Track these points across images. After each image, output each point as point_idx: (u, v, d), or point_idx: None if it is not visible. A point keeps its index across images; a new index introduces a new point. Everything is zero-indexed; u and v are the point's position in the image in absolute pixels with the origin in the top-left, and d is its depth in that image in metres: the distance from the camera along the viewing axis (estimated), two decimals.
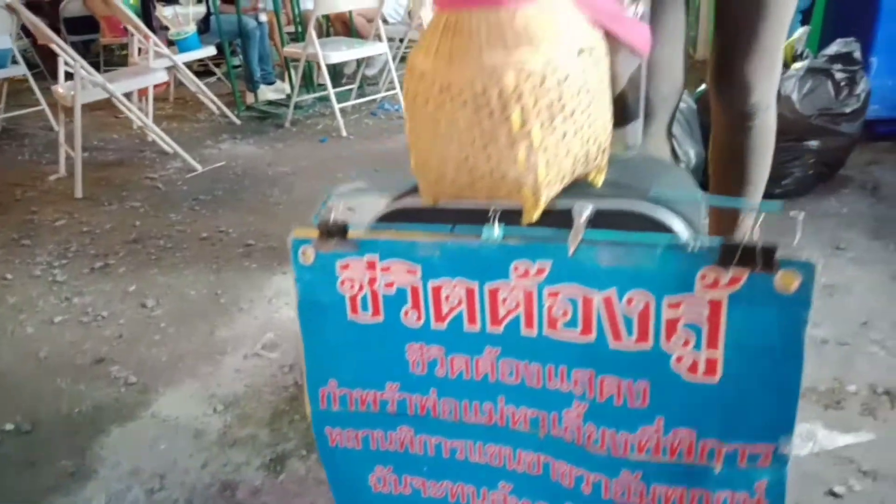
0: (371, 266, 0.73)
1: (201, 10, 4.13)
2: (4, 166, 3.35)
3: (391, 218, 0.73)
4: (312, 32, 3.32)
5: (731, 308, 0.61)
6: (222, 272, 1.91)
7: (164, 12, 4.02)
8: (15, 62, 4.06)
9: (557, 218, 0.65)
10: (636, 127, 0.87)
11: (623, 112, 0.86)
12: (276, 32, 4.34)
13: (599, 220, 0.64)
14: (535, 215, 0.62)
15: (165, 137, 3.03)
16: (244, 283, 1.82)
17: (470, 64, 0.56)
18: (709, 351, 0.63)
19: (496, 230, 0.66)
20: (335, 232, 0.73)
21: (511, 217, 0.65)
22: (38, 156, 3.51)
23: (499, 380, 0.73)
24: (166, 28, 4.05)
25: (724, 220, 1.41)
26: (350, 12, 4.10)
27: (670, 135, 1.34)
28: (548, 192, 0.61)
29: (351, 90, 3.98)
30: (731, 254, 0.60)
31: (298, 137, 3.41)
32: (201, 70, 4.74)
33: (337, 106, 3.38)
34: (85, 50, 6.90)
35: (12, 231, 2.40)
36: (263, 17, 4.16)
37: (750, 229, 0.61)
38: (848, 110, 2.04)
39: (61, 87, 2.79)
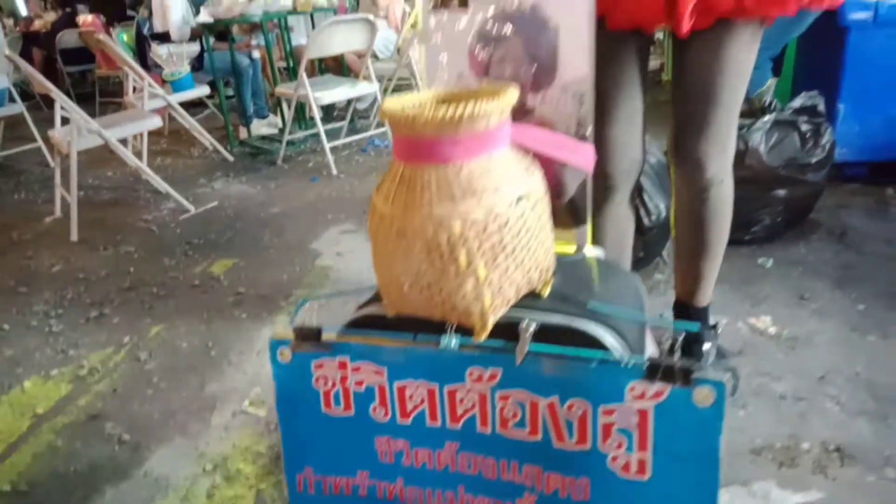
0: (343, 366, 0.81)
1: (195, 48, 4.23)
2: (1, 205, 3.42)
3: (360, 323, 0.80)
4: (303, 74, 3.42)
5: (657, 417, 0.69)
6: (213, 322, 1.98)
7: (159, 51, 4.12)
8: (12, 100, 4.15)
9: (508, 329, 0.73)
10: (583, 231, 0.95)
11: (573, 217, 0.94)
12: (268, 68, 4.45)
13: (543, 333, 0.72)
14: (483, 336, 0.70)
15: (159, 180, 3.10)
16: (234, 335, 1.89)
17: (422, 213, 0.64)
18: (639, 453, 0.70)
19: (453, 340, 0.74)
20: (310, 336, 0.80)
21: (466, 328, 0.73)
22: (34, 194, 3.59)
23: (459, 470, 0.80)
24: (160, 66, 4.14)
25: (687, 281, 1.49)
26: None
27: (634, 203, 1.43)
28: (494, 316, 0.69)
29: (342, 127, 4.08)
30: (655, 370, 0.68)
31: (290, 175, 3.49)
32: (196, 101, 4.84)
33: (328, 145, 3.47)
34: (81, 79, 7.02)
35: (9, 277, 2.47)
36: (256, 54, 4.26)
37: (668, 349, 0.69)
38: (814, 160, 2.13)
39: (58, 133, 2.87)
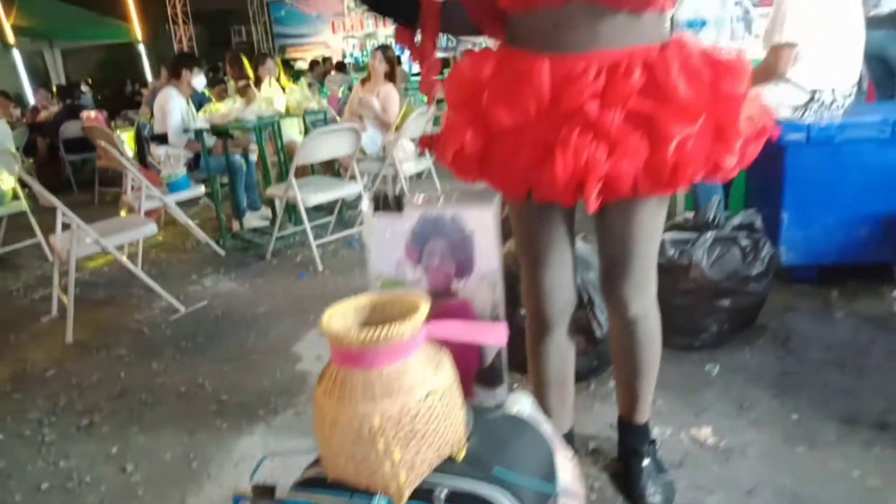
0: None
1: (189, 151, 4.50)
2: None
3: (307, 483, 0.96)
4: (293, 177, 3.66)
5: None
6: (196, 433, 2.11)
7: (157, 152, 4.39)
8: (16, 197, 4.37)
9: (425, 493, 0.88)
10: (503, 388, 1.12)
11: (492, 377, 1.11)
12: (261, 163, 4.71)
13: (453, 498, 0.88)
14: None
15: (151, 282, 3.27)
16: (215, 447, 2.02)
17: (350, 409, 0.81)
18: None
19: (381, 501, 0.89)
20: (265, 493, 0.95)
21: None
22: (32, 290, 3.76)
23: None
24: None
25: (626, 400, 1.65)
26: None
27: (572, 333, 1.60)
28: (409, 489, 0.85)
29: (330, 222, 4.30)
30: None
31: (278, 271, 3.68)
32: None
33: (314, 243, 3.68)
34: (82, 167, 7.32)
35: (5, 382, 2.60)
36: (254, 157, 4.54)
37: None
38: (754, 272, 2.33)
39: (59, 240, 3.07)
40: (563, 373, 1.60)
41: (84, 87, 10.16)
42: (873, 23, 3.08)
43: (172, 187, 4.05)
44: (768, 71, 2.62)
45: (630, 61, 1.17)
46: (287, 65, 14.70)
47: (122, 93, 8.95)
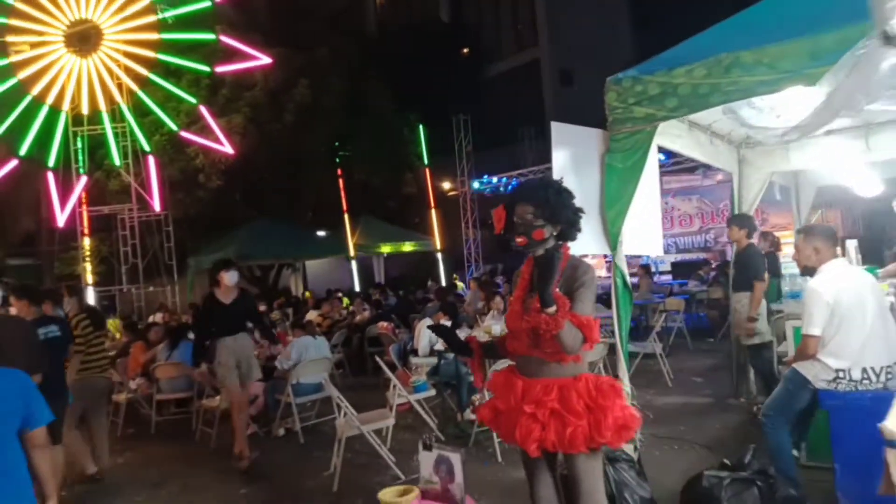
0: None
1: (433, 360, 6.40)
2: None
3: None
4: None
5: None
6: None
7: (413, 361, 6.39)
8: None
9: None
10: None
11: None
12: None
13: None
14: None
15: (386, 456, 4.97)
16: None
17: None
18: None
19: None
20: None
21: None
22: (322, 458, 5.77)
23: None
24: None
25: None
26: None
27: None
28: None
29: None
30: None
31: (473, 458, 5.12)
32: None
33: (496, 439, 5.08)
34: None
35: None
36: None
37: None
38: None
39: (340, 422, 5.00)
40: None
41: (390, 293, 13.44)
42: None
43: (417, 388, 5.91)
44: (801, 354, 3.44)
45: (556, 385, 2.51)
46: None
47: (409, 299, 11.84)
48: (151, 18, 13.66)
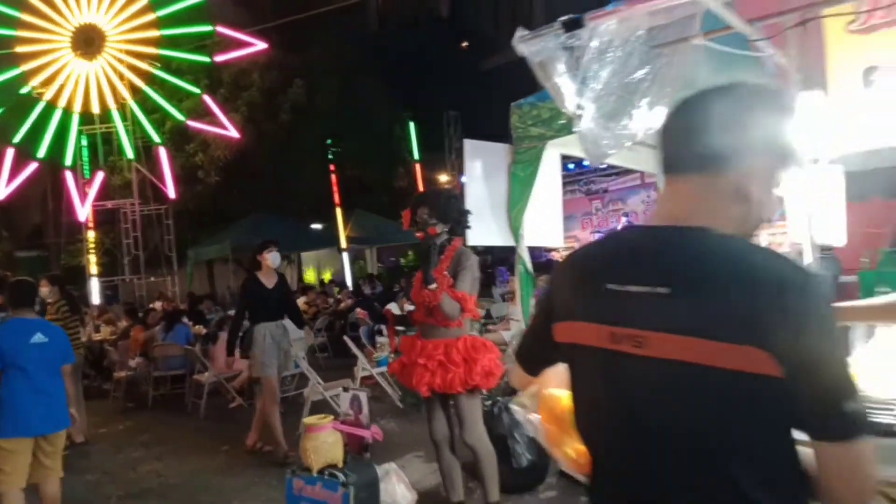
0: None
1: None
2: None
3: None
4: None
5: None
6: None
7: (380, 340, 7.19)
8: None
9: None
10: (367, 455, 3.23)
11: (366, 450, 3.23)
12: None
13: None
14: None
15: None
16: None
17: None
18: None
19: None
20: None
21: None
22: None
23: None
24: None
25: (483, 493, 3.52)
26: None
27: (454, 452, 3.61)
28: None
29: None
30: None
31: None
32: None
33: None
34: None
35: None
36: None
37: None
38: None
39: (309, 388, 5.83)
40: (451, 477, 3.56)
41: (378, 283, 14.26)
42: None
43: (380, 363, 6.75)
44: None
45: (443, 343, 3.34)
46: None
47: (391, 288, 12.67)
48: (150, 16, 14.40)
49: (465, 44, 27.09)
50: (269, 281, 5.22)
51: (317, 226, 18.36)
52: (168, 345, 8.03)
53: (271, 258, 5.20)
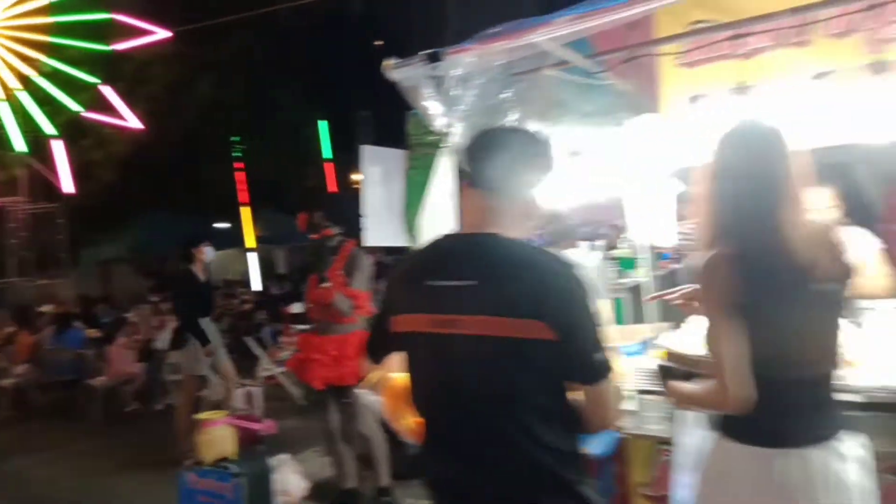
0: None
1: None
2: None
3: None
4: None
5: None
6: None
7: (284, 340, 7.25)
8: None
9: None
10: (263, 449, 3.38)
11: (260, 443, 3.38)
12: None
13: None
14: None
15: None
16: None
17: None
18: None
19: None
20: None
21: None
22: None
23: None
24: None
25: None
26: None
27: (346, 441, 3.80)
28: None
29: None
30: None
31: None
32: None
33: None
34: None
35: None
36: None
37: None
38: None
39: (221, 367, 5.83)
40: (342, 457, 3.76)
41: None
42: None
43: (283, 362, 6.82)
44: None
45: (336, 339, 3.53)
46: None
47: (298, 289, 12.68)
48: (43, 2, 13.57)
49: (379, 42, 27.06)
50: (203, 275, 5.21)
51: (223, 225, 17.91)
52: (58, 350, 7.74)
53: (207, 252, 5.19)
